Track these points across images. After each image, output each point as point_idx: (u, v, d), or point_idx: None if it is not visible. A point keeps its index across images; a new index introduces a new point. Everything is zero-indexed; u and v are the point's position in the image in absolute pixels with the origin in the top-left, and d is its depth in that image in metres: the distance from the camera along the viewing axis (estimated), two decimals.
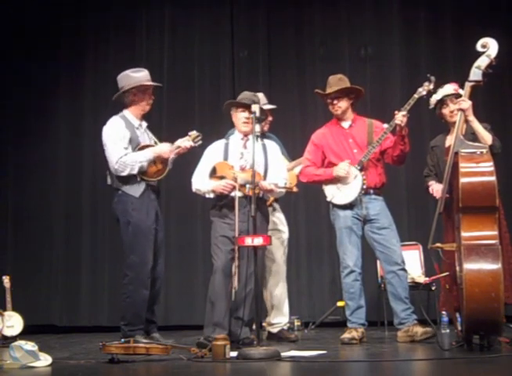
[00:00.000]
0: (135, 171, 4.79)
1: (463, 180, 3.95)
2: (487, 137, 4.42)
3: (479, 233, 3.93)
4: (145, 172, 4.84)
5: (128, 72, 4.98)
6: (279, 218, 5.28)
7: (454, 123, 4.45)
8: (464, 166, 4.01)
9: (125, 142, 4.85)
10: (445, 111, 4.72)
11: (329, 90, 5.00)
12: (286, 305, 5.29)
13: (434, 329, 4.67)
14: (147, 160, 4.82)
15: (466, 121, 4.34)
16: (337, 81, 5.01)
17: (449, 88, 4.70)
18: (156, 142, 5.03)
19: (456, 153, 4.12)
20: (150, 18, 7.35)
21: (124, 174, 4.80)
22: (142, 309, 4.79)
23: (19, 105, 7.18)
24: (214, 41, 7.28)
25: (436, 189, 4.72)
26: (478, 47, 4.28)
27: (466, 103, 4.30)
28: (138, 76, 4.95)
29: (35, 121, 7.18)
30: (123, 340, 3.99)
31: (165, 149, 4.91)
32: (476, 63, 4.27)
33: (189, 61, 7.25)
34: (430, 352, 4.21)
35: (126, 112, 4.98)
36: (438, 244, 4.13)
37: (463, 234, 3.93)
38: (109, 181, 4.95)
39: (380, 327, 5.93)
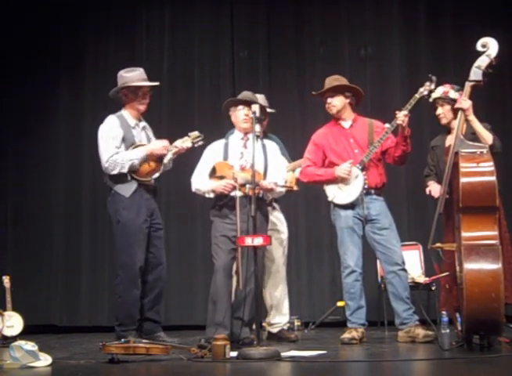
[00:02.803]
0: (125, 170, 4.79)
1: (463, 180, 3.94)
2: (487, 137, 4.43)
3: (479, 233, 3.92)
4: (136, 171, 4.84)
5: (121, 72, 5.00)
6: (278, 218, 5.27)
7: (449, 123, 4.48)
8: (464, 166, 4.01)
9: (117, 141, 4.84)
10: (436, 113, 4.73)
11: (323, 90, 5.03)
12: (285, 305, 5.29)
13: (436, 333, 4.66)
14: (138, 158, 4.81)
15: (467, 121, 4.34)
16: (332, 81, 5.02)
17: (440, 91, 4.69)
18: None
19: (456, 153, 4.11)
20: (150, 18, 7.35)
21: (115, 172, 4.80)
22: (134, 308, 4.80)
23: (19, 105, 7.18)
24: (214, 41, 7.28)
25: (434, 189, 4.72)
26: (478, 47, 4.29)
27: (466, 103, 4.30)
28: (128, 76, 4.96)
29: (35, 121, 7.18)
30: (123, 340, 3.99)
31: (157, 146, 4.89)
32: (476, 63, 4.27)
33: (189, 61, 7.25)
34: (430, 352, 4.21)
35: (124, 111, 5.00)
36: (439, 244, 4.13)
37: (463, 234, 3.93)
38: (104, 179, 4.97)
39: (380, 327, 5.93)
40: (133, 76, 4.96)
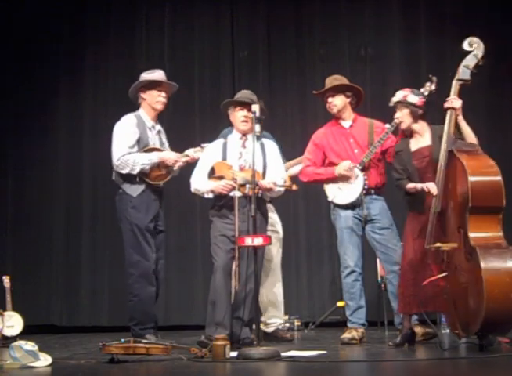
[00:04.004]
0: (135, 172, 4.81)
1: (471, 179, 3.96)
2: (473, 136, 4.39)
3: (488, 233, 3.97)
4: (146, 174, 4.86)
5: (142, 74, 5.05)
6: (274, 219, 5.27)
7: (409, 127, 4.49)
8: (470, 165, 4.02)
9: (132, 141, 4.85)
10: (395, 117, 4.64)
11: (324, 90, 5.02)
12: (281, 304, 5.29)
13: (435, 330, 4.67)
14: (150, 163, 4.84)
15: (456, 121, 4.31)
16: (332, 81, 5.03)
17: (399, 95, 4.61)
18: (164, 148, 5.04)
19: (451, 152, 4.12)
20: (150, 18, 7.35)
21: (124, 172, 4.83)
22: (151, 305, 4.83)
23: (19, 105, 7.17)
24: (214, 41, 7.29)
25: (432, 186, 4.54)
26: (465, 46, 4.32)
27: (457, 102, 4.30)
28: (147, 76, 5.02)
29: (35, 121, 7.17)
30: (123, 340, 3.99)
31: (171, 157, 4.91)
32: (464, 62, 4.30)
33: (189, 61, 7.25)
34: (430, 352, 4.22)
35: (141, 110, 5.03)
36: (439, 244, 4.13)
37: (472, 235, 3.95)
38: (113, 176, 4.97)
39: (380, 327, 5.92)
40: (153, 75, 5.01)
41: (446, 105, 4.36)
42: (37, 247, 7.01)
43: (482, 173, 4.04)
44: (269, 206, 5.23)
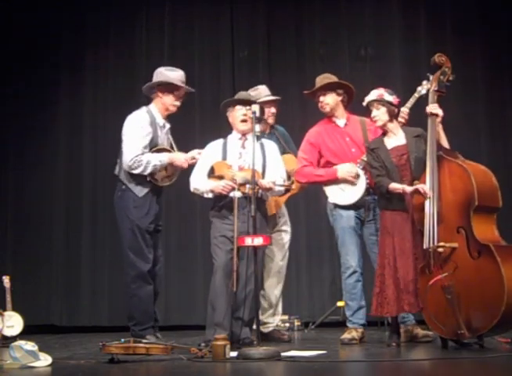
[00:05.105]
0: (146, 173, 4.79)
1: (476, 179, 4.06)
2: (447, 142, 4.45)
3: (489, 232, 4.09)
4: (154, 175, 4.85)
5: (161, 69, 4.99)
6: (283, 220, 5.27)
7: (384, 125, 4.55)
8: (470, 167, 4.13)
9: (146, 142, 4.81)
10: (372, 115, 4.64)
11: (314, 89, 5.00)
12: (279, 306, 5.29)
13: (435, 333, 4.65)
14: (161, 164, 4.82)
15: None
16: (322, 79, 5.02)
17: (375, 94, 4.60)
18: (172, 148, 5.02)
19: (440, 156, 4.23)
20: (150, 18, 7.35)
21: (136, 172, 4.79)
22: (149, 305, 4.81)
23: (19, 105, 7.18)
24: (214, 41, 7.29)
25: (427, 188, 4.49)
26: (436, 59, 4.48)
27: (440, 110, 4.39)
28: (169, 74, 4.94)
29: (35, 121, 7.18)
30: (123, 340, 3.99)
31: (181, 159, 4.89)
32: (438, 74, 4.46)
33: (189, 61, 7.24)
34: (430, 352, 4.21)
35: (152, 106, 4.96)
36: (442, 243, 4.12)
37: (479, 233, 4.02)
38: (116, 170, 4.94)
39: (380, 327, 5.92)
40: (175, 76, 4.94)
41: (432, 111, 4.41)
42: (37, 247, 7.01)
43: (481, 175, 4.16)
44: (284, 208, 5.24)
